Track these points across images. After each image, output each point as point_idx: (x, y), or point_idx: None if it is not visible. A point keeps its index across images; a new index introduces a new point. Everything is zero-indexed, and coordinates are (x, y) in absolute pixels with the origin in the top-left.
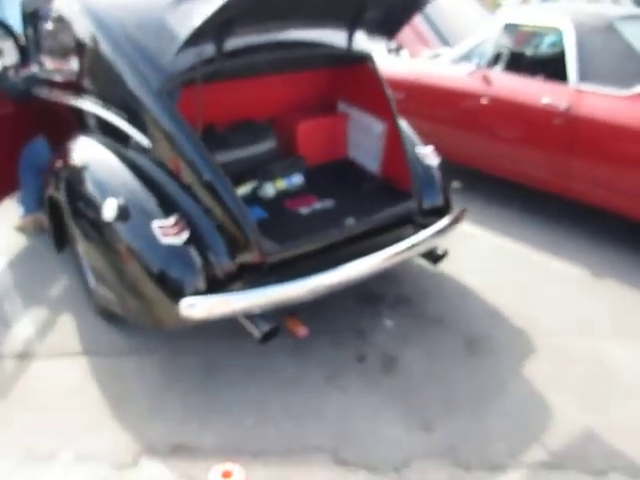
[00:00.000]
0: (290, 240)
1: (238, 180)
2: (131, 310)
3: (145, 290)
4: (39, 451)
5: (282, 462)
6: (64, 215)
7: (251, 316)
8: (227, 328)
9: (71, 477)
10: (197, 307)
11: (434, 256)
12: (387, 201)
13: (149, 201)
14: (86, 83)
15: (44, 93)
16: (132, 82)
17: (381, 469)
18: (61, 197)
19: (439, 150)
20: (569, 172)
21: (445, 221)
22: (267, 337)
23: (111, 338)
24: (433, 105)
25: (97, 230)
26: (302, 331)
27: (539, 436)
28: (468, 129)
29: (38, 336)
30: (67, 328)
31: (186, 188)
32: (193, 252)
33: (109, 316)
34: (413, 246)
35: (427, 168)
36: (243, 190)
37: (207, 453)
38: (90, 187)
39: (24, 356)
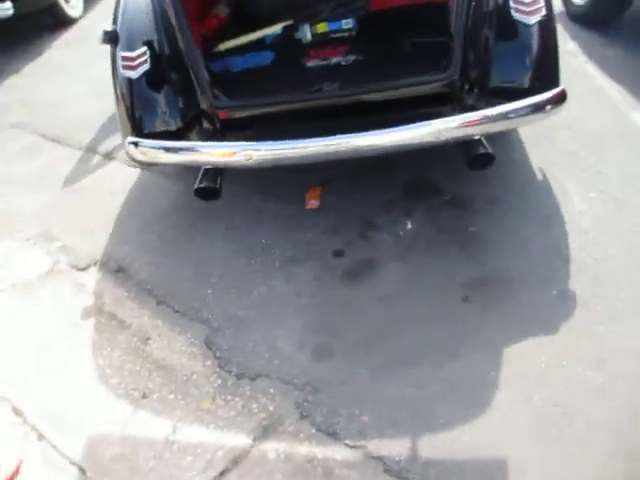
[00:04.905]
0: (250, 97)
1: (277, 15)
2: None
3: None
4: (42, 236)
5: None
6: None
7: (206, 170)
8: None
9: (38, 257)
10: (135, 148)
11: (471, 155)
12: (418, 65)
13: (131, 31)
14: None
15: None
16: None
17: (230, 379)
18: None
19: None
20: None
21: (501, 108)
22: (203, 194)
23: None
24: None
25: None
26: (311, 204)
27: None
28: None
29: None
30: None
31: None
32: (148, 91)
33: None
34: (428, 133)
35: (514, 25)
36: (270, 30)
37: (138, 286)
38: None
39: (108, 156)
